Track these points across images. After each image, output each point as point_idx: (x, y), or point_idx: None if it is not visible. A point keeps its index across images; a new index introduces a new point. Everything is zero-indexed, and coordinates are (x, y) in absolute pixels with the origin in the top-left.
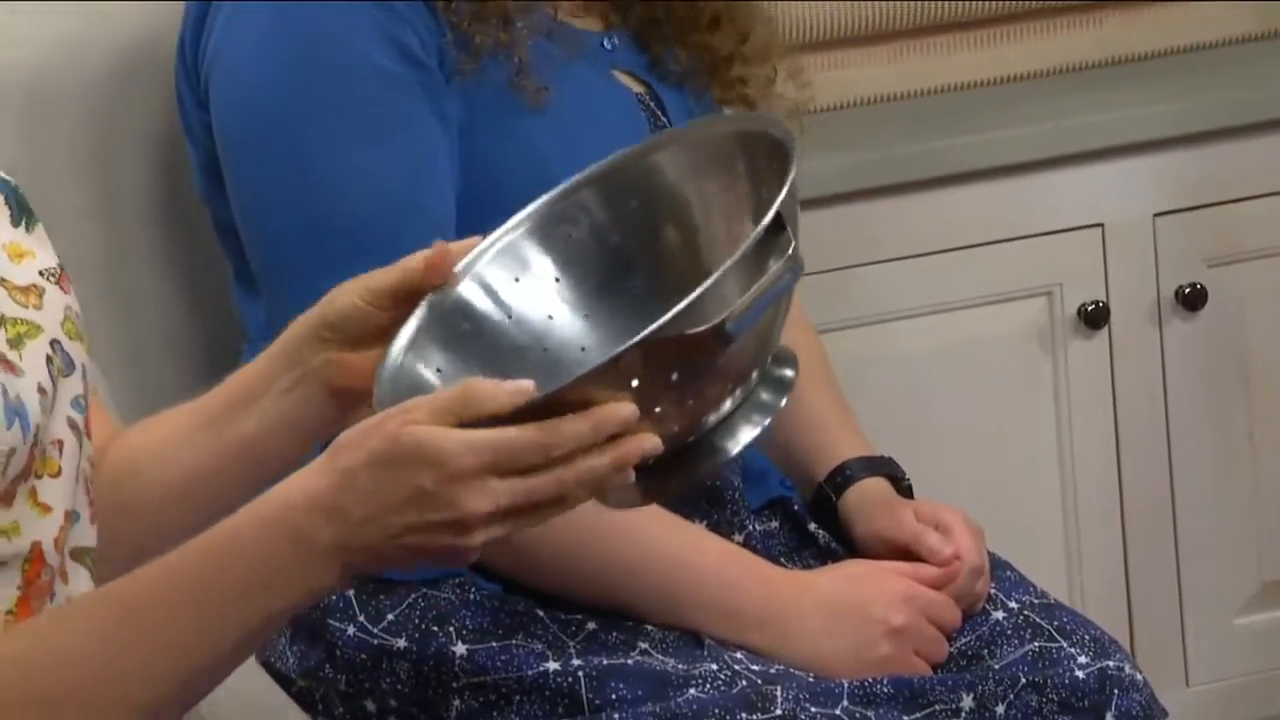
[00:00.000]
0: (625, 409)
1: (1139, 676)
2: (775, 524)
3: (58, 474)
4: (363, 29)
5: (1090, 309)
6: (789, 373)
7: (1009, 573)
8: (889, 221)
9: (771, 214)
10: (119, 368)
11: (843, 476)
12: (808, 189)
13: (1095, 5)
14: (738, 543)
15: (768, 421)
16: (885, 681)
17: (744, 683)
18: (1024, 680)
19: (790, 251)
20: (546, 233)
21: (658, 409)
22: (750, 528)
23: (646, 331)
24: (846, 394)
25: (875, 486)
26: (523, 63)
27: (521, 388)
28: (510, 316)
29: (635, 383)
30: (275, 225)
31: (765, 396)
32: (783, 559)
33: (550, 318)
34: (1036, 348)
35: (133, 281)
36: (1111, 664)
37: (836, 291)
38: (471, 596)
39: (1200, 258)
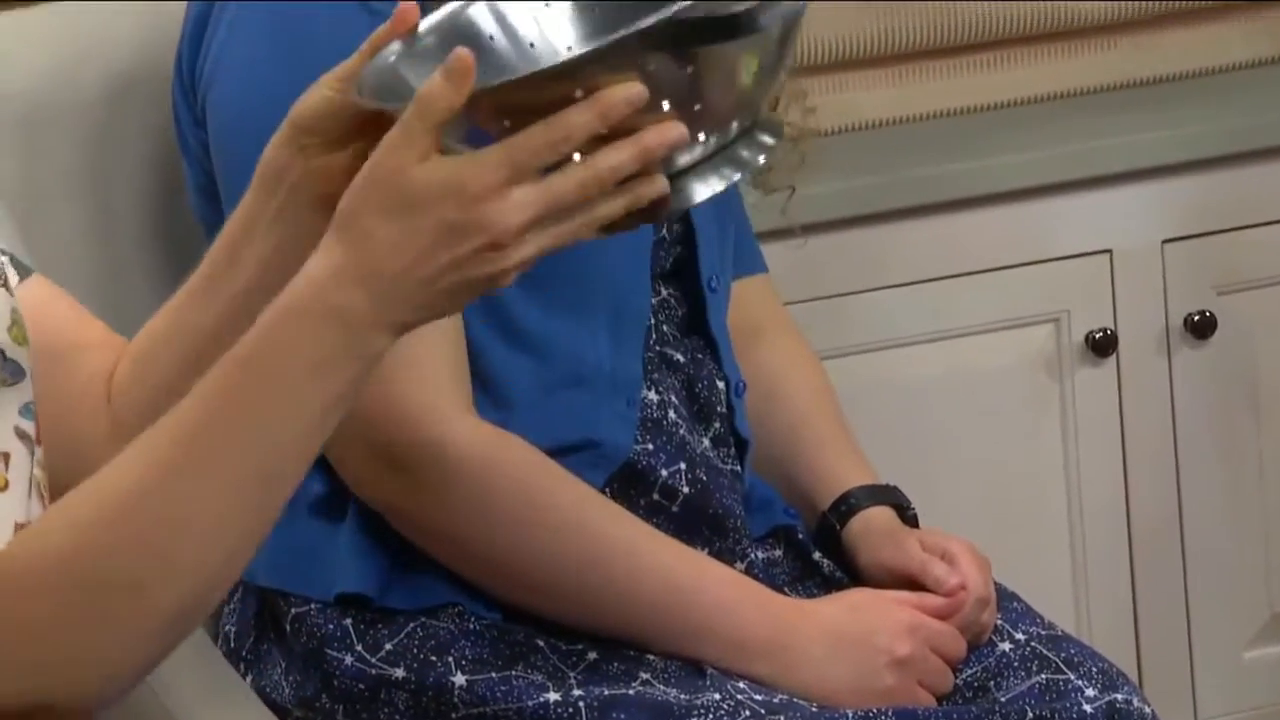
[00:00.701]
0: (631, 89)
1: (1147, 709)
2: (779, 552)
3: (4, 487)
4: (362, 38)
5: (1098, 336)
6: (770, 139)
7: (1015, 604)
8: (893, 247)
9: None
10: None
11: (847, 505)
12: (810, 213)
13: (1104, 29)
14: (740, 571)
15: (738, 177)
16: (889, 713)
17: (747, 713)
18: (1031, 713)
19: None
20: None
21: (640, 131)
22: (753, 556)
23: (663, 13)
24: (850, 422)
25: (880, 515)
26: None
27: (458, 56)
28: (528, 44)
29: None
30: None
31: (743, 153)
32: (786, 588)
33: (569, 49)
34: (1043, 375)
35: (128, 302)
36: (1120, 697)
37: (840, 318)
38: (470, 626)
39: (1209, 285)
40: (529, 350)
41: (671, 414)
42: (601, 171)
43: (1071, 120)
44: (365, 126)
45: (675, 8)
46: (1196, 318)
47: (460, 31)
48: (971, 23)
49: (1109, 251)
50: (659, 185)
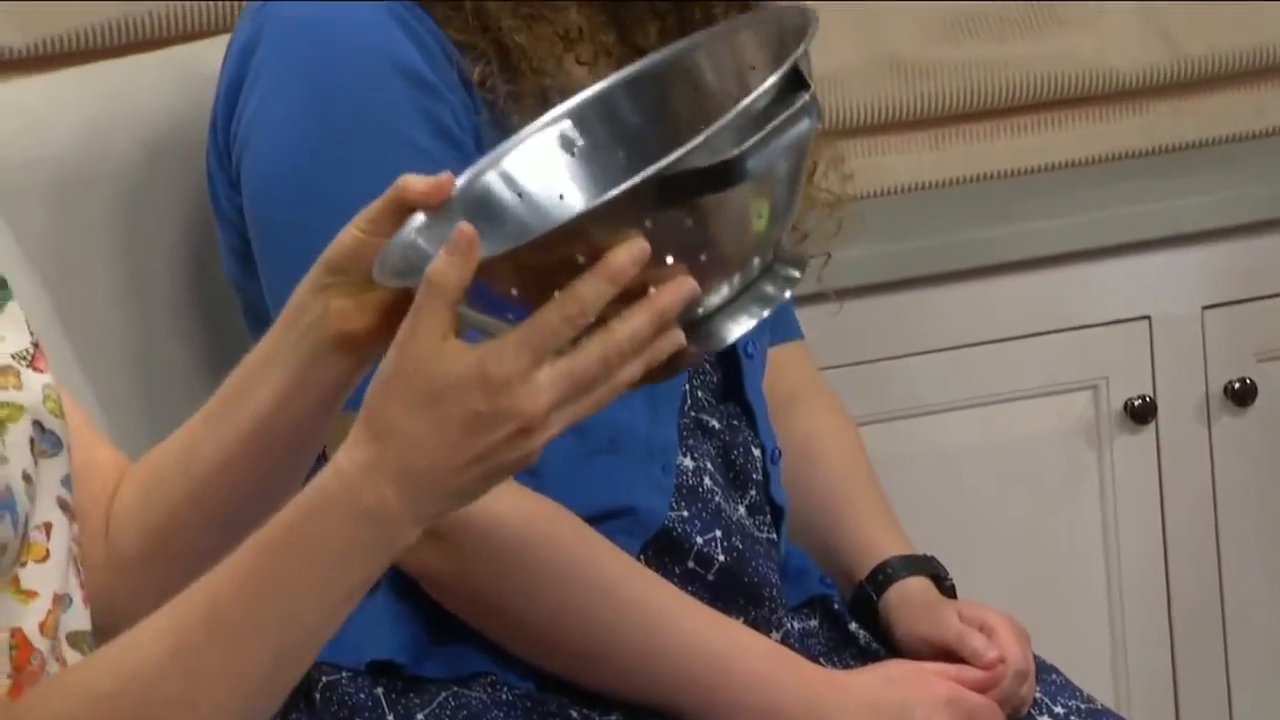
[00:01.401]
0: (635, 248)
1: None
2: (814, 622)
3: (44, 558)
4: (400, 107)
5: (1137, 404)
6: (795, 272)
7: (1054, 677)
8: (929, 312)
9: (789, 64)
10: (140, 455)
11: (884, 575)
12: (846, 278)
13: (1142, 92)
14: (776, 640)
15: (766, 313)
16: None
17: None
18: None
19: (809, 97)
20: (582, 127)
21: (654, 288)
22: (788, 625)
23: (652, 169)
24: (886, 489)
25: (917, 586)
26: None
27: (460, 230)
28: (534, 209)
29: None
30: None
31: (769, 289)
32: (822, 658)
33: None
34: (1081, 444)
35: (160, 367)
36: None
37: (875, 384)
38: (503, 696)
39: (1250, 352)
40: None
41: (707, 480)
42: (621, 343)
43: (1110, 184)
44: None
45: (660, 164)
46: (1237, 385)
47: (478, 200)
48: (1007, 86)
49: (1148, 318)
50: (675, 339)
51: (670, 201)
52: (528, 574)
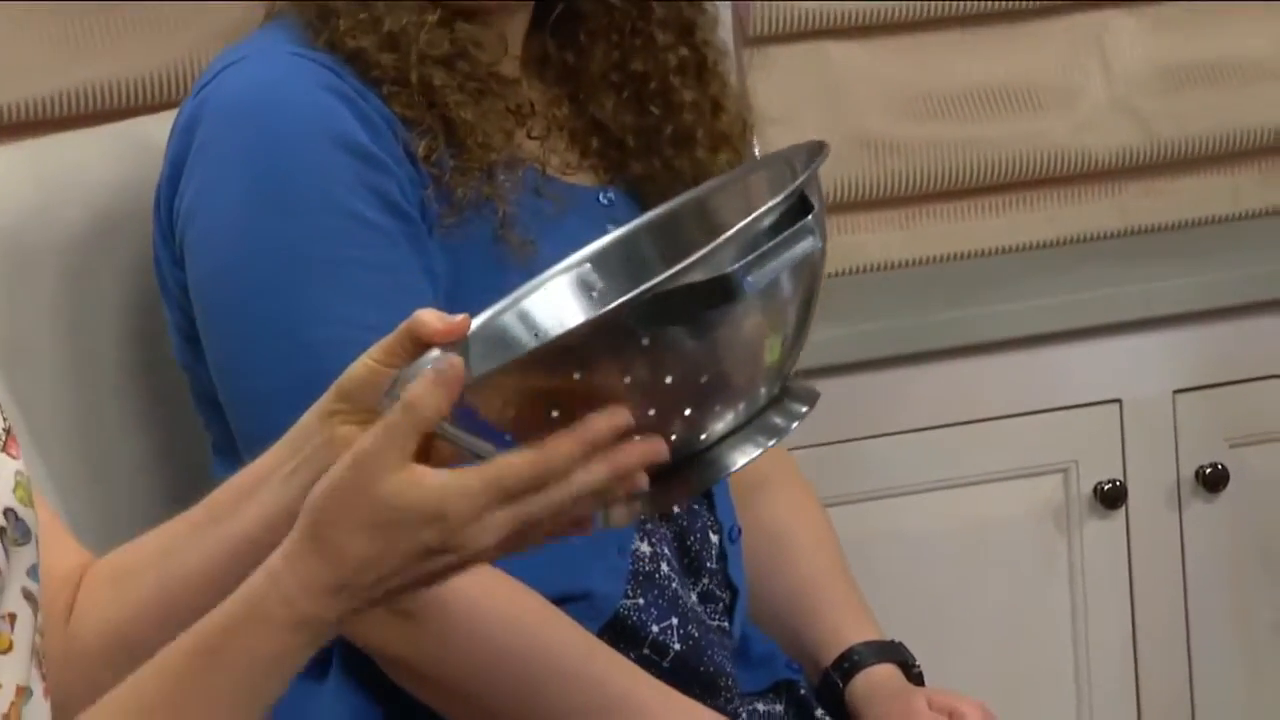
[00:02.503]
0: (616, 418)
1: None
2: (779, 707)
3: (8, 649)
4: (343, 180)
5: (1107, 488)
6: (803, 407)
7: None
8: (897, 393)
9: (799, 181)
10: (89, 536)
11: (850, 662)
12: (815, 358)
13: (1115, 173)
14: None
15: (772, 443)
16: None
17: None
18: None
19: (811, 219)
20: (603, 270)
21: (652, 410)
22: (744, 713)
23: (646, 285)
24: (854, 571)
25: (885, 673)
26: (507, 216)
27: (449, 362)
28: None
29: (629, 377)
30: (264, 389)
31: (775, 420)
32: None
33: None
34: (1051, 528)
35: (107, 446)
36: None
37: (842, 465)
38: None
39: (1222, 437)
40: None
41: (664, 566)
42: (577, 493)
43: (1082, 266)
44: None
45: (655, 280)
46: (1209, 470)
47: (494, 338)
48: (979, 165)
49: (1119, 401)
50: (635, 485)
51: (667, 318)
52: (488, 653)
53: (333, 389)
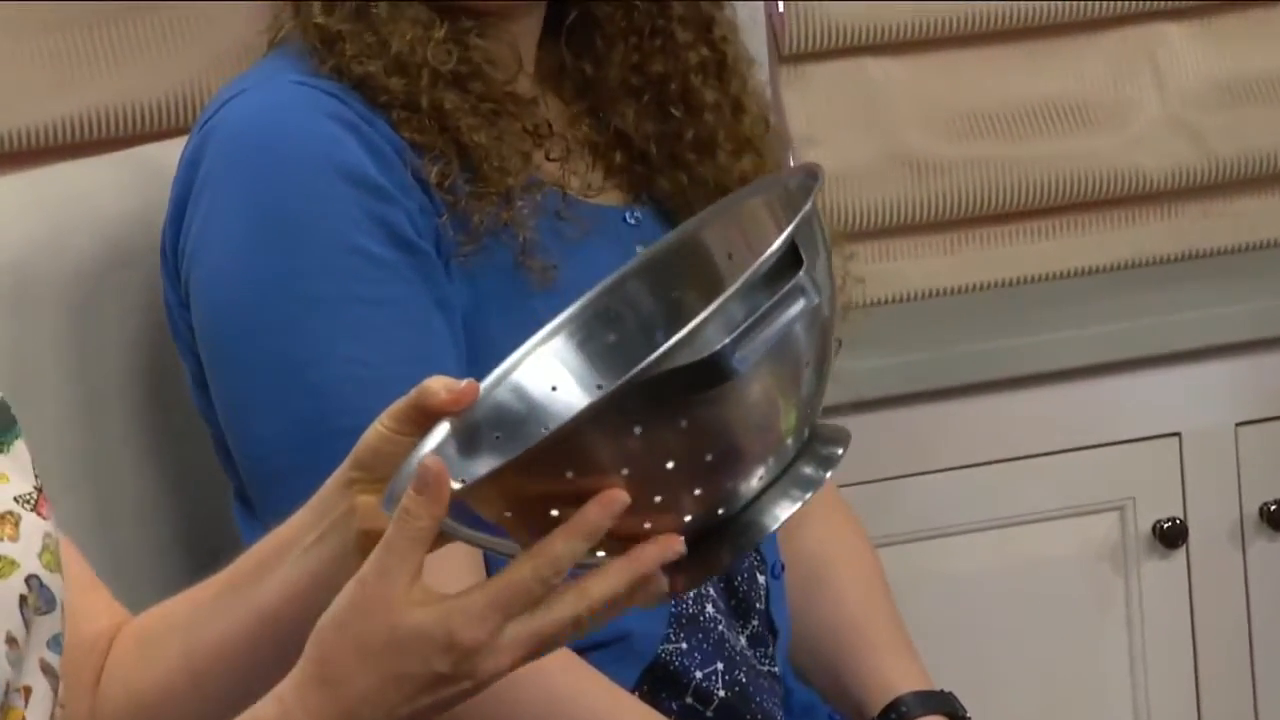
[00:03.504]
0: (612, 499)
1: None
2: None
3: None
4: (349, 215)
5: (1166, 526)
6: (837, 450)
7: None
8: (945, 428)
9: (783, 238)
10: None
11: (897, 713)
12: (855, 391)
13: (1171, 194)
14: None
15: (809, 496)
16: None
17: None
18: None
19: (800, 277)
20: (590, 333)
21: (658, 497)
22: None
23: (627, 376)
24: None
25: None
26: (527, 242)
27: (424, 466)
28: (546, 427)
29: (626, 469)
30: (269, 432)
31: (807, 470)
32: None
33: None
34: (1108, 568)
35: (114, 486)
36: None
37: (883, 504)
38: None
39: None
40: None
41: (709, 608)
42: (595, 604)
43: (1137, 293)
44: None
45: (631, 373)
46: (1274, 507)
47: (495, 416)
48: (1027, 186)
49: (1178, 434)
50: (657, 590)
51: (656, 406)
52: (511, 708)
53: (350, 457)
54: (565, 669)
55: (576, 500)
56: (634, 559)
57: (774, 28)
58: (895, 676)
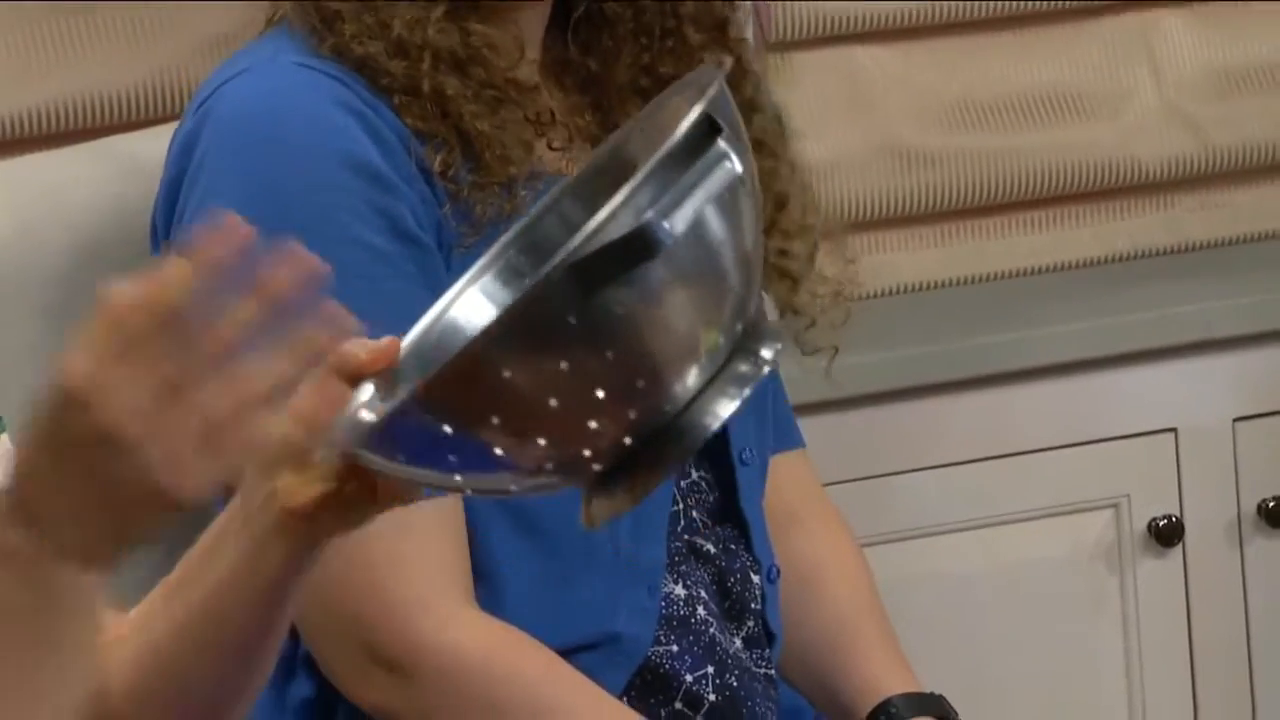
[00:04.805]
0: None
1: None
2: None
3: None
4: (351, 206)
5: (1162, 524)
6: (772, 346)
7: None
8: (933, 425)
9: (697, 111)
10: None
11: (887, 715)
12: (845, 386)
13: (1168, 185)
14: None
15: (747, 391)
16: None
17: None
18: None
19: (719, 143)
20: (519, 269)
21: (600, 391)
22: None
23: (554, 261)
24: (889, 617)
25: None
26: None
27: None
28: None
29: (565, 363)
30: None
31: (743, 368)
32: None
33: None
34: (1101, 568)
35: None
36: None
37: (873, 502)
38: None
39: None
40: (536, 534)
41: (701, 610)
42: (227, 328)
43: (1133, 285)
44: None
45: (553, 263)
46: (1271, 504)
47: (431, 355)
48: (1021, 177)
49: (1174, 430)
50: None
51: (590, 289)
52: (491, 715)
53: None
54: (547, 675)
55: (517, 401)
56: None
57: (760, 16)
58: (884, 679)
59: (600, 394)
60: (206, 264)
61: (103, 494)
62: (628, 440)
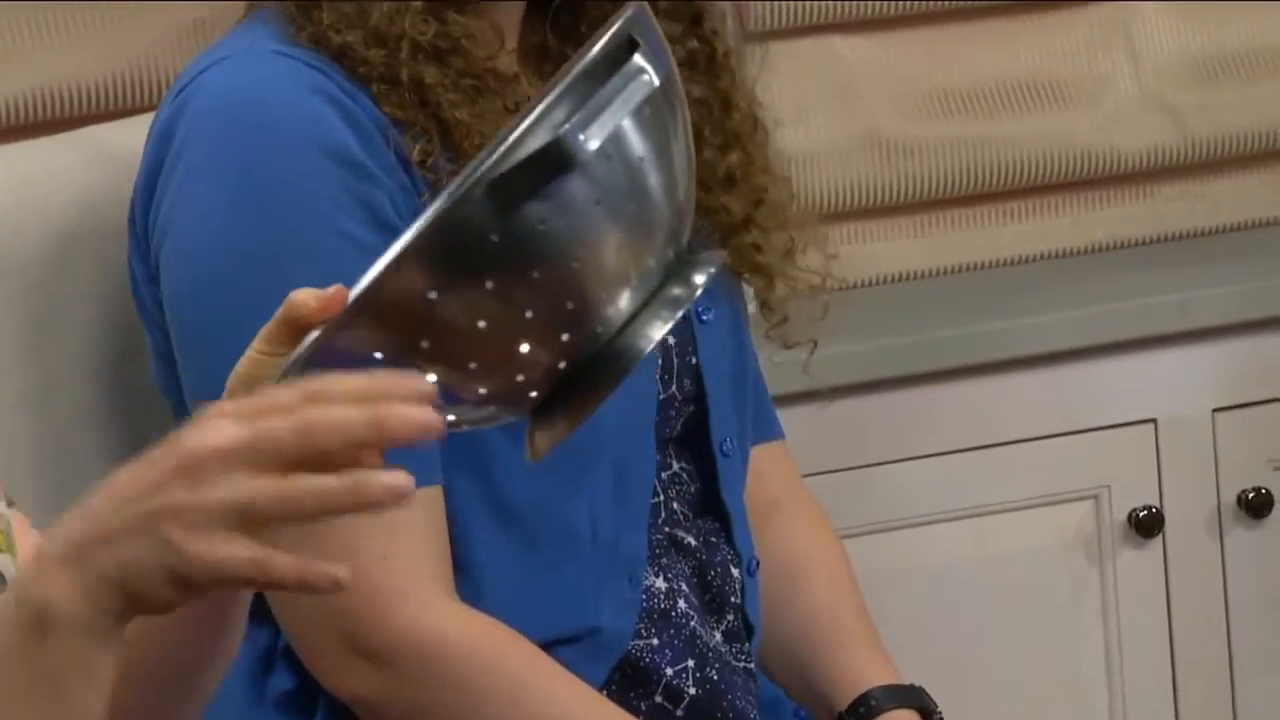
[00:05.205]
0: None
1: None
2: None
3: None
4: (331, 194)
5: (1142, 515)
6: (705, 269)
7: None
8: (913, 415)
9: (613, 29)
10: None
11: (867, 707)
12: (825, 377)
13: (1147, 175)
14: None
15: (679, 314)
16: None
17: None
18: None
19: (637, 56)
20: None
21: (530, 312)
22: None
23: (470, 173)
24: (869, 607)
25: (903, 719)
26: None
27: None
28: None
29: (490, 282)
30: None
31: (676, 291)
32: None
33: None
34: (1082, 558)
35: (75, 486)
36: None
37: (854, 493)
38: None
39: (1265, 459)
40: (516, 525)
41: (681, 604)
42: (316, 421)
43: (1112, 275)
44: None
45: (470, 175)
46: (1251, 495)
47: None
48: (1000, 167)
49: (1154, 421)
50: (386, 482)
51: (510, 204)
52: (474, 706)
53: (225, 393)
54: (528, 666)
55: (443, 324)
56: (375, 398)
57: (739, 5)
58: (864, 670)
59: (529, 315)
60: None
61: (148, 518)
62: (562, 365)
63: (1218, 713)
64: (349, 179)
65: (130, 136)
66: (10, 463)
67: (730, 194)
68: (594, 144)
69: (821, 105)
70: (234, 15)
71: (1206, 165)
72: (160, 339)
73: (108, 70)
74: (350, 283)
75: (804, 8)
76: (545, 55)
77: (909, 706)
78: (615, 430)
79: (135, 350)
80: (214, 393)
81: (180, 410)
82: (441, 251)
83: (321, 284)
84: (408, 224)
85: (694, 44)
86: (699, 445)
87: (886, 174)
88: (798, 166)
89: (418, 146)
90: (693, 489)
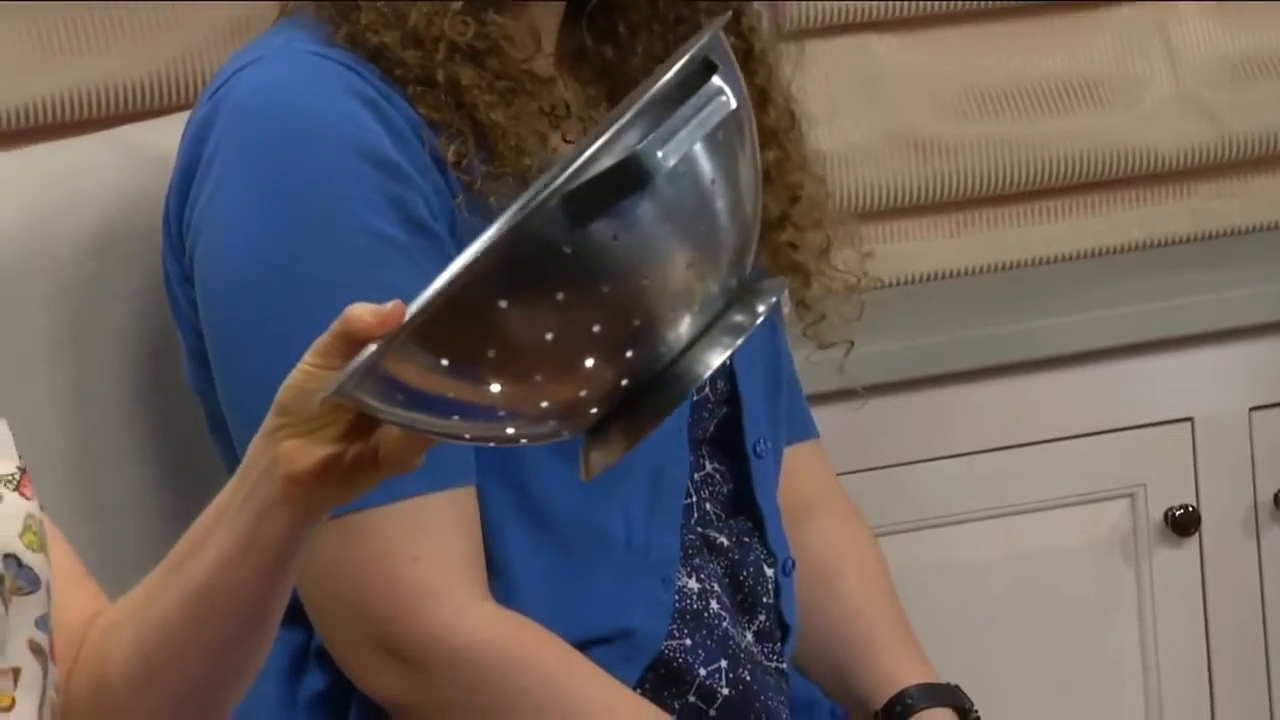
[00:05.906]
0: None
1: None
2: None
3: (9, 708)
4: (365, 196)
5: (1178, 514)
6: (768, 298)
7: None
8: (948, 414)
9: (692, 51)
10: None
11: (903, 705)
12: (859, 376)
13: (1183, 174)
14: None
15: (741, 341)
16: None
17: None
18: None
19: (714, 80)
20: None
21: (597, 326)
22: None
23: (548, 187)
24: (904, 607)
25: (939, 718)
26: None
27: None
28: None
29: (561, 294)
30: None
31: (739, 317)
32: None
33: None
34: (1117, 558)
35: (106, 484)
36: None
37: (888, 492)
38: None
39: None
40: (550, 528)
41: (714, 604)
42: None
43: (1148, 274)
44: (338, 410)
45: (547, 189)
46: None
47: None
48: (1035, 166)
49: (1190, 420)
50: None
51: (583, 217)
52: (507, 705)
53: (274, 404)
54: (564, 666)
55: (512, 334)
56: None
57: (774, 4)
58: (900, 670)
59: (596, 329)
60: None
61: None
62: (624, 383)
63: (1254, 712)
64: (383, 180)
65: (165, 136)
66: (44, 461)
67: (766, 190)
68: (671, 161)
69: (856, 104)
70: (271, 16)
71: (1243, 164)
72: (193, 338)
73: (146, 71)
74: (383, 283)
75: (839, 7)
76: (582, 58)
77: (945, 705)
78: (651, 436)
79: (169, 350)
80: (247, 393)
81: (213, 409)
82: (515, 261)
83: (354, 284)
84: (442, 225)
85: (731, 40)
86: (732, 446)
87: (921, 173)
88: (832, 166)
89: (452, 148)
90: (725, 489)
